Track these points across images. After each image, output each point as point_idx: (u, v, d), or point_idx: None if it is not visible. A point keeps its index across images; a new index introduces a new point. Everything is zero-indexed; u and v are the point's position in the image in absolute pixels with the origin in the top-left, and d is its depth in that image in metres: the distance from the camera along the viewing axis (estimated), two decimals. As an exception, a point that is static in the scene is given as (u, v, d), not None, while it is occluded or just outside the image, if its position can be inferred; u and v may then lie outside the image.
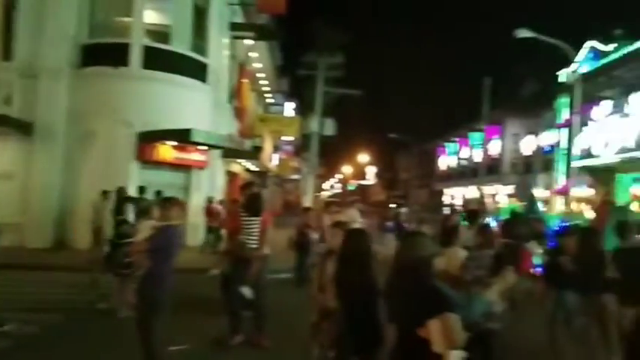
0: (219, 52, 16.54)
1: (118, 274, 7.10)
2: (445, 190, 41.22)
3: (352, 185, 62.73)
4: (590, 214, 14.50)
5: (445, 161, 41.45)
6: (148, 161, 14.09)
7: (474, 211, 8.90)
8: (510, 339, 6.23)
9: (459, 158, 38.13)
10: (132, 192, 11.83)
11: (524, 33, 15.20)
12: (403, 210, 19.80)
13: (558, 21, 43.39)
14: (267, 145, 23.23)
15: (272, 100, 29.13)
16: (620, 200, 18.03)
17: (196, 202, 15.05)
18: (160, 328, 4.51)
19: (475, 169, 32.94)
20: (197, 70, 15.02)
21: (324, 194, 61.43)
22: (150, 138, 13.79)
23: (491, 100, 25.76)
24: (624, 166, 18.67)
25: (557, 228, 8.06)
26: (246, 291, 5.97)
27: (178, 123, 13.54)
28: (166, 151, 14.23)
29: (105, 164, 13.24)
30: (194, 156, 14.99)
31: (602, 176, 21.57)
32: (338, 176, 68.04)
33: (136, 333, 4.54)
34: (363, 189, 54.36)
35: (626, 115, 19.14)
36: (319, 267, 4.26)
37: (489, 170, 30.44)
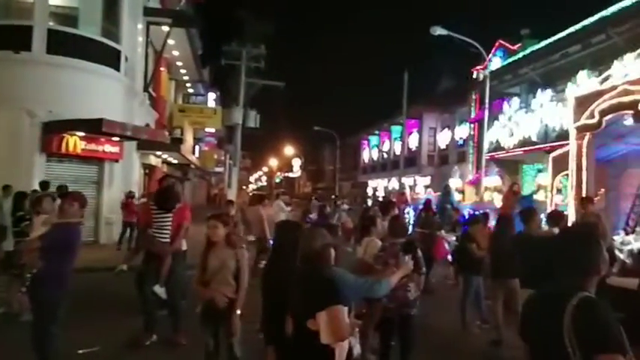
0: (132, 38, 15.70)
1: (11, 274, 6.53)
2: (369, 182, 42.25)
3: (278, 178, 62.58)
4: (498, 202, 15.44)
5: (368, 154, 42.45)
6: (55, 154, 13.12)
7: (388, 202, 9.18)
8: (427, 322, 6.51)
9: (380, 151, 39.20)
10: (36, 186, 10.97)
11: (438, 30, 15.79)
12: (340, 202, 20.00)
13: (472, 19, 45.79)
14: (188, 137, 22.52)
15: (192, 90, 28.22)
16: (525, 190, 19.46)
17: (111, 197, 14.25)
18: (56, 334, 4.18)
19: (396, 162, 34.04)
20: (108, 57, 14.14)
21: (250, 187, 60.92)
22: (56, 128, 12.83)
23: (410, 95, 26.66)
24: (528, 158, 20.06)
25: (467, 216, 8.49)
26: (159, 289, 5.71)
27: (88, 112, 12.69)
28: (75, 142, 13.31)
29: (6, 157, 12.16)
30: (106, 148, 14.16)
31: (510, 167, 23.18)
32: (264, 169, 67.60)
33: (32, 338, 4.17)
34: (289, 181, 54.36)
35: (532, 111, 20.61)
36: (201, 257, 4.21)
37: (409, 162, 31.59)
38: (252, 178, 69.99)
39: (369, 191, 41.09)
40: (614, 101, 8.20)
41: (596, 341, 1.81)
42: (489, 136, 22.68)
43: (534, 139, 20.13)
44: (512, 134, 21.46)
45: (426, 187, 29.88)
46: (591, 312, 1.87)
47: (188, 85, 27.32)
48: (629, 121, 8.11)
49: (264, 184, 68.17)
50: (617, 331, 1.83)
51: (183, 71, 24.22)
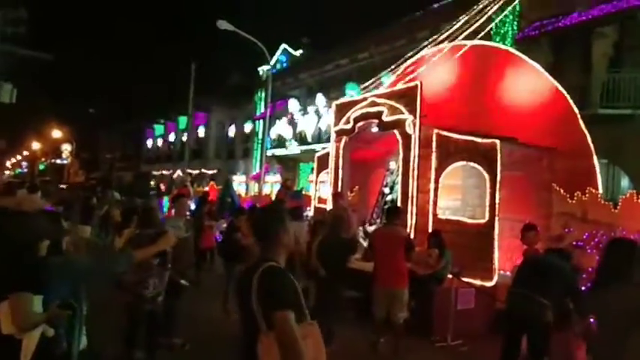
0: None
1: None
2: (153, 173, 40.30)
3: (43, 164, 54.82)
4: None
5: (153, 143, 40.47)
6: None
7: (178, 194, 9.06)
8: (195, 312, 6.56)
9: (166, 141, 37.79)
10: None
11: (224, 25, 15.97)
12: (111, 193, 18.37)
13: (260, 18, 47.40)
14: None
15: None
16: (300, 185, 21.14)
17: None
18: None
19: (182, 153, 33.26)
20: None
21: (7, 174, 52.07)
22: None
23: (199, 87, 26.33)
24: (305, 156, 21.76)
25: (237, 208, 8.84)
26: None
27: None
28: None
29: None
30: None
31: (290, 164, 24.90)
32: (25, 153, 58.46)
33: None
34: (56, 168, 47.95)
35: (308, 114, 22.47)
36: None
37: (195, 154, 31.20)
38: (8, 164, 59.99)
39: (153, 182, 39.22)
40: (364, 110, 9.51)
41: (272, 300, 2.12)
42: (272, 134, 23.97)
43: (309, 139, 22.03)
44: (292, 134, 23.10)
45: (211, 179, 30.04)
46: (270, 277, 2.18)
47: None
48: (375, 129, 9.49)
49: (25, 170, 59.10)
50: (290, 293, 2.17)
51: None
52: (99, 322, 3.28)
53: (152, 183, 39.30)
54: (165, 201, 17.72)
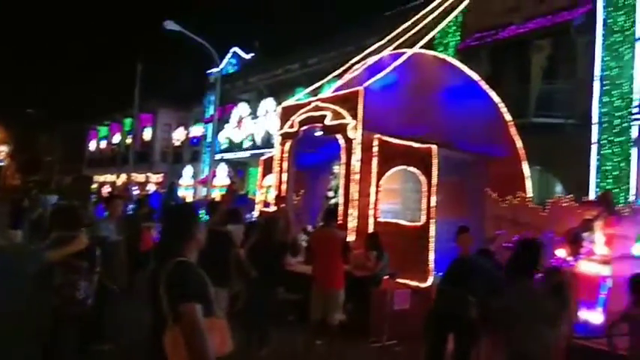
0: None
1: None
2: (95, 177, 38.86)
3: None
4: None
5: (96, 145, 39.03)
6: None
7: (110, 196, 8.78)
8: (131, 316, 6.31)
9: (110, 143, 36.54)
10: None
11: (171, 25, 15.67)
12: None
13: (212, 20, 46.73)
14: None
15: None
16: (250, 190, 20.99)
17: None
18: None
19: (127, 156, 32.27)
20: None
21: None
22: None
23: (145, 88, 25.62)
24: (254, 160, 21.63)
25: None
26: None
27: None
28: None
29: None
30: None
31: (239, 168, 24.67)
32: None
33: None
34: (-10, 171, 45.31)
35: (257, 118, 22.37)
36: None
37: (141, 158, 30.34)
38: None
39: (95, 186, 37.80)
40: (309, 114, 9.57)
41: (179, 293, 2.14)
42: (221, 138, 23.68)
43: (259, 143, 21.94)
44: (241, 138, 22.92)
45: (157, 183, 29.27)
46: (179, 271, 2.20)
47: None
48: (319, 133, 9.56)
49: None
50: (198, 286, 2.20)
51: None
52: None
53: (94, 187, 37.95)
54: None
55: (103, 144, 37.85)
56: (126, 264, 6.07)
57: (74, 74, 71.84)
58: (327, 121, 9.03)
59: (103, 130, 37.74)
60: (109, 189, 33.01)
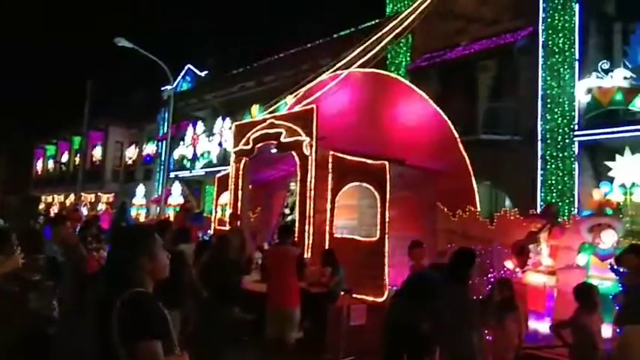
0: None
1: None
2: (43, 197, 37.20)
3: None
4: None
5: (43, 165, 37.44)
6: None
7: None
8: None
9: (58, 162, 35.14)
10: None
11: (123, 42, 15.39)
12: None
13: (164, 36, 46.09)
14: None
15: None
16: (206, 208, 20.65)
17: None
18: None
19: (76, 175, 31.12)
20: None
21: None
22: None
23: (96, 104, 24.86)
24: (210, 179, 21.34)
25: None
26: None
27: None
28: None
29: None
30: None
31: (194, 187, 24.23)
32: None
33: None
34: None
35: (213, 135, 22.13)
36: None
37: (91, 177, 29.31)
38: None
39: (42, 207, 36.19)
40: (264, 132, 9.57)
41: (136, 330, 1.93)
42: (175, 156, 23.25)
43: (215, 161, 21.68)
44: (196, 156, 22.58)
45: (108, 203, 28.34)
46: (134, 305, 1.99)
47: None
48: (274, 150, 9.57)
49: None
50: (157, 321, 2.00)
51: None
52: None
53: (41, 207, 36.32)
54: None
55: (51, 163, 36.36)
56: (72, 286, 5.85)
57: (18, 89, 68.83)
58: (282, 139, 9.06)
59: (51, 149, 36.28)
60: (57, 209, 31.71)
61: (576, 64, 11.82)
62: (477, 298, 4.30)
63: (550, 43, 12.27)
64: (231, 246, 5.58)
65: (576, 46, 11.89)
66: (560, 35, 12.14)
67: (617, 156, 9.85)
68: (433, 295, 4.39)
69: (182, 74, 25.63)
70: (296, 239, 7.80)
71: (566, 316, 4.71)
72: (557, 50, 12.15)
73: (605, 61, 11.11)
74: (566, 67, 11.95)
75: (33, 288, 4.26)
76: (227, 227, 9.89)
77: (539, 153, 12.09)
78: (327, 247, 7.83)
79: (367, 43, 12.18)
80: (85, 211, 24.85)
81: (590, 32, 11.99)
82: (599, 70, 11.05)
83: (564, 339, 4.21)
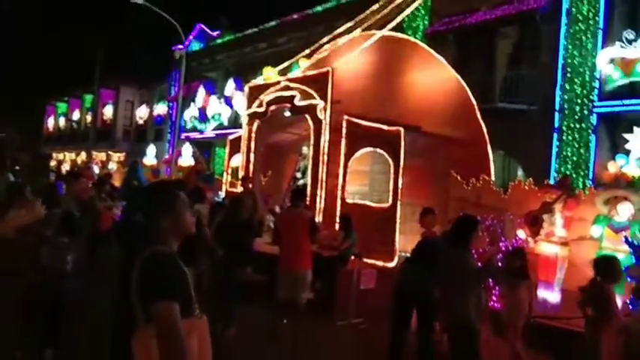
0: None
1: None
2: (54, 154, 37.47)
3: None
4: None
5: (54, 122, 37.51)
6: None
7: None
8: (90, 296, 6.16)
9: (69, 120, 35.18)
10: None
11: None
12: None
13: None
14: None
15: None
16: (216, 170, 20.71)
17: None
18: None
19: (87, 134, 31.20)
20: None
21: None
22: None
23: (107, 63, 24.72)
24: (221, 141, 21.31)
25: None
26: None
27: None
28: None
29: None
30: None
31: (205, 148, 24.24)
32: None
33: None
34: None
35: (224, 97, 21.95)
36: None
37: (102, 136, 29.41)
38: None
39: (53, 164, 36.52)
40: (277, 94, 9.46)
41: (154, 289, 1.84)
42: (186, 117, 23.16)
43: (225, 123, 21.59)
44: (207, 117, 22.48)
45: (120, 162, 28.51)
46: (155, 264, 1.89)
47: None
48: (287, 113, 9.47)
49: None
50: (177, 282, 1.90)
51: None
52: None
53: (52, 164, 36.64)
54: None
55: (62, 121, 36.43)
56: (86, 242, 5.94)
57: (31, 47, 68.44)
58: (297, 102, 8.95)
59: (62, 107, 36.28)
60: (68, 167, 31.99)
61: (600, 32, 11.45)
62: (481, 265, 4.31)
63: (574, 10, 11.87)
64: (244, 207, 5.59)
65: (601, 14, 11.50)
66: (585, 2, 11.73)
67: (635, 128, 9.65)
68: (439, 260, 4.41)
69: (194, 34, 25.22)
70: (307, 203, 7.84)
71: (575, 288, 4.71)
72: (580, 18, 11.76)
73: (629, 30, 10.74)
74: (589, 35, 11.59)
75: (45, 243, 4.33)
76: (238, 189, 9.94)
77: (557, 124, 11.89)
78: (344, 213, 7.83)
79: (379, 3, 11.81)
80: (96, 169, 25.03)
81: (616, 0, 11.57)
82: (623, 40, 10.69)
83: (587, 313, 4.20)
